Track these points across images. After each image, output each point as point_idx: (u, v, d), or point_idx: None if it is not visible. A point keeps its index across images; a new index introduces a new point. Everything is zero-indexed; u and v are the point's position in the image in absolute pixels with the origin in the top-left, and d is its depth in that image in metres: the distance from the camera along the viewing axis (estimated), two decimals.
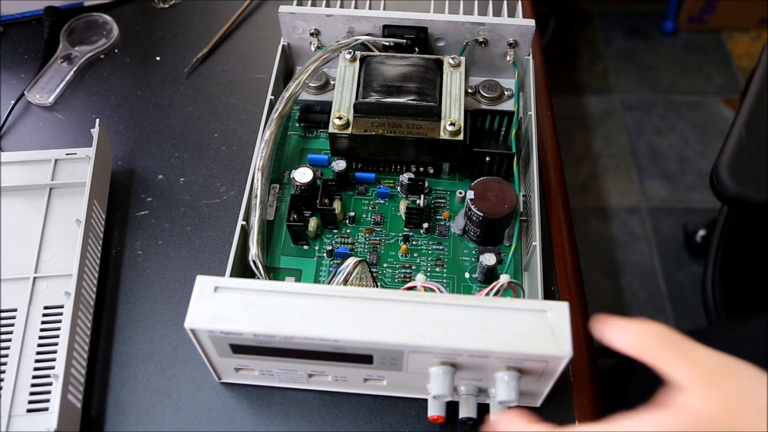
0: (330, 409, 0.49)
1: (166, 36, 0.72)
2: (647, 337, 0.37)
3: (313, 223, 0.55)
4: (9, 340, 0.50)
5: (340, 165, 0.56)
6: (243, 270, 0.52)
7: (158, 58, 0.70)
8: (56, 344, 0.50)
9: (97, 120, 0.57)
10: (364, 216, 0.57)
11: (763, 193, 0.68)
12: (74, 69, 0.69)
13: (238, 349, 0.43)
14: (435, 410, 0.46)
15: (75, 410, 0.47)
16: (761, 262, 0.81)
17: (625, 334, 0.37)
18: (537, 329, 0.40)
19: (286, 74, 0.65)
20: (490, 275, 0.52)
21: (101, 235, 0.57)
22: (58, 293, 0.52)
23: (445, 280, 0.54)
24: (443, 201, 0.58)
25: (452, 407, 0.46)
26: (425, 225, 0.55)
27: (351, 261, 0.48)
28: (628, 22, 1.85)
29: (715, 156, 0.72)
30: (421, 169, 0.59)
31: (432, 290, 0.46)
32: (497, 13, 0.63)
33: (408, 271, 0.54)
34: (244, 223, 0.52)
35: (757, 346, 0.64)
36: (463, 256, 0.55)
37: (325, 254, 0.55)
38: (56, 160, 0.59)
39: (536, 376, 0.43)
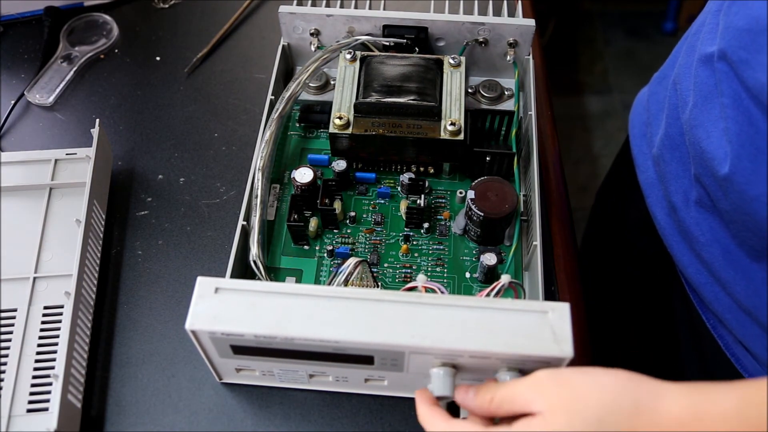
0: (330, 409, 0.49)
1: (166, 36, 0.72)
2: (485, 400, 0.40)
3: (313, 223, 0.55)
4: (9, 340, 0.50)
5: (340, 165, 0.56)
6: (243, 270, 0.52)
7: (158, 58, 0.70)
8: (56, 344, 0.50)
9: (97, 120, 0.57)
10: (364, 216, 0.57)
11: None
12: (74, 69, 0.69)
13: (239, 350, 0.43)
14: None
15: (75, 410, 0.47)
16: None
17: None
18: (538, 330, 0.40)
19: (286, 74, 0.65)
20: (490, 275, 0.52)
21: (101, 235, 0.57)
22: (58, 293, 0.52)
23: (445, 280, 0.54)
24: (444, 201, 0.58)
25: (453, 407, 0.46)
26: (426, 225, 0.55)
27: (351, 261, 0.48)
28: (628, 22, 1.85)
29: None
30: (422, 169, 0.58)
31: (433, 291, 0.46)
32: (497, 13, 0.63)
33: (409, 271, 0.54)
34: (245, 223, 0.52)
35: None
36: (464, 256, 0.55)
37: (325, 254, 0.55)
38: (56, 160, 0.59)
39: None
